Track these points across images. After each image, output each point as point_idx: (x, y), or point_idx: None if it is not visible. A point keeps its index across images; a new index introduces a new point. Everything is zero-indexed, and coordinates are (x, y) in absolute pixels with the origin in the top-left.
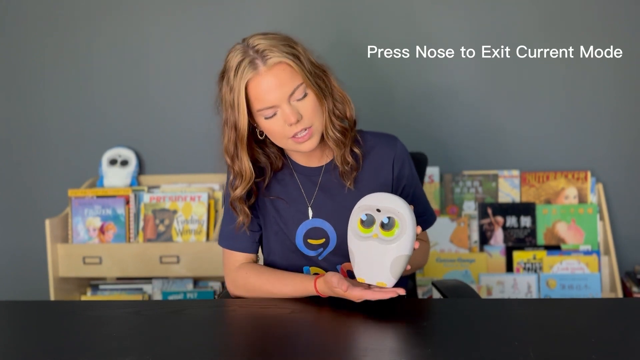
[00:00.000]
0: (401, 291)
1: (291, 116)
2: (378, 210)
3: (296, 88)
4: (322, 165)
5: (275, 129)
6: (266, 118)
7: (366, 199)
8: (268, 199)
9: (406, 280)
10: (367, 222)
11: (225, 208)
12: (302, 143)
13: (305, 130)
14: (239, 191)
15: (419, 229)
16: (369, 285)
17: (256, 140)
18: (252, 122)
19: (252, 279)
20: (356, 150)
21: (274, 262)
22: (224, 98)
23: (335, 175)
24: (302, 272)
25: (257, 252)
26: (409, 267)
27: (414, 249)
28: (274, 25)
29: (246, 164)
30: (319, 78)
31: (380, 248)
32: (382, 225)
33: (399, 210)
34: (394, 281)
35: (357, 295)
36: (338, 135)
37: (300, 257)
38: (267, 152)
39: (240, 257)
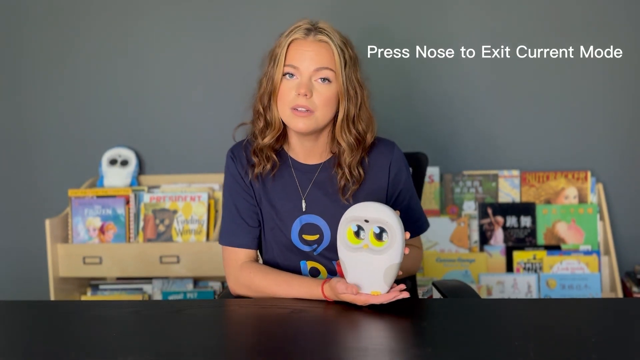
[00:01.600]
0: (405, 294)
1: (302, 86)
2: (366, 221)
3: (324, 67)
4: (320, 163)
5: (285, 91)
6: (284, 75)
7: (353, 209)
8: (265, 198)
9: (404, 280)
10: (357, 234)
11: (223, 207)
12: (297, 118)
13: (307, 110)
14: (268, 139)
15: (408, 234)
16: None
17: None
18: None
19: (257, 280)
20: (361, 170)
21: (270, 259)
22: (271, 53)
23: (332, 174)
24: (299, 266)
25: (257, 248)
26: (400, 273)
27: (405, 254)
28: (272, 25)
29: (276, 114)
30: (350, 83)
31: (371, 258)
32: (373, 237)
33: (387, 219)
34: (387, 289)
35: (363, 299)
36: (351, 139)
37: (297, 252)
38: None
39: (241, 254)
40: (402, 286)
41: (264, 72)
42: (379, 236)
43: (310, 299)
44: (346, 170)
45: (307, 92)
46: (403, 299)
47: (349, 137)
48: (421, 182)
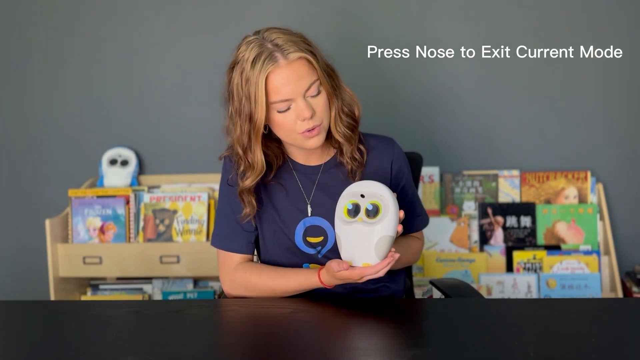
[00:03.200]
0: (396, 255)
1: (305, 111)
2: (362, 196)
3: (312, 83)
4: (321, 164)
5: (287, 123)
6: (279, 111)
7: (351, 187)
8: (266, 201)
9: (404, 279)
10: (353, 210)
11: (218, 209)
12: (310, 139)
13: (315, 127)
14: (249, 182)
15: (402, 213)
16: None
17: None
18: None
19: (252, 278)
20: (361, 147)
21: (273, 262)
22: (236, 89)
23: (334, 174)
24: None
25: (253, 252)
26: (393, 250)
27: (398, 233)
28: (276, 25)
29: (259, 156)
30: (330, 77)
31: (364, 230)
32: (367, 212)
33: (381, 193)
34: (378, 262)
35: (357, 273)
36: (347, 131)
37: (300, 255)
38: (270, 147)
39: (236, 258)
40: (392, 250)
41: (235, 110)
42: (371, 212)
43: (310, 292)
44: (348, 161)
45: (312, 114)
46: (401, 297)
47: (343, 129)
48: (416, 181)
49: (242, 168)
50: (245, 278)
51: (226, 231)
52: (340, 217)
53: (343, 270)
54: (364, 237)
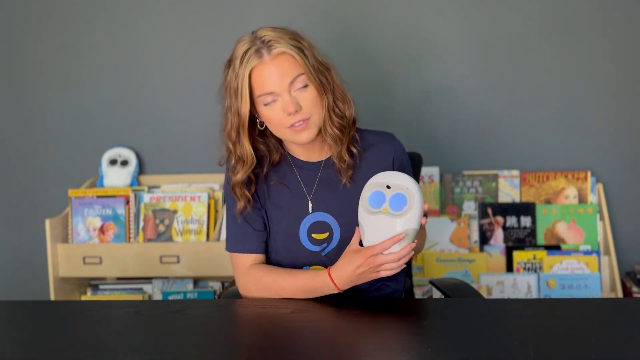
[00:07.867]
0: (413, 244)
1: (290, 105)
2: (388, 187)
3: (296, 77)
4: (322, 160)
5: (274, 117)
6: (265, 105)
7: (377, 177)
8: (269, 201)
9: (404, 278)
10: (378, 200)
11: (228, 213)
12: (299, 132)
13: (303, 121)
14: (240, 176)
15: (426, 205)
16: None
17: (257, 133)
18: (253, 111)
19: (264, 278)
20: (353, 149)
21: (277, 260)
22: (229, 85)
23: (335, 170)
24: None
25: (265, 252)
26: (416, 241)
27: (422, 225)
28: (275, 23)
29: (247, 148)
30: (321, 73)
31: (389, 221)
32: (392, 203)
33: (407, 185)
34: None
35: (377, 255)
36: (336, 131)
37: (303, 253)
38: (267, 142)
39: (249, 259)
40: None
41: (227, 106)
42: (398, 203)
43: (319, 293)
44: (335, 161)
45: (296, 108)
46: (400, 297)
47: (333, 130)
48: (417, 181)
49: (232, 162)
50: (257, 278)
51: (237, 234)
52: (364, 207)
53: (367, 253)
54: (388, 229)
